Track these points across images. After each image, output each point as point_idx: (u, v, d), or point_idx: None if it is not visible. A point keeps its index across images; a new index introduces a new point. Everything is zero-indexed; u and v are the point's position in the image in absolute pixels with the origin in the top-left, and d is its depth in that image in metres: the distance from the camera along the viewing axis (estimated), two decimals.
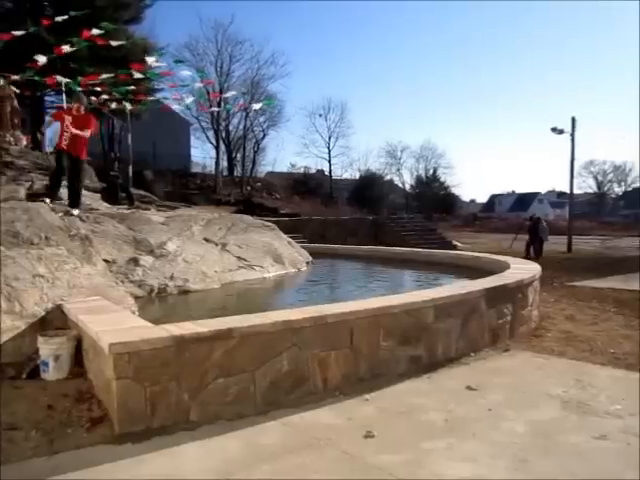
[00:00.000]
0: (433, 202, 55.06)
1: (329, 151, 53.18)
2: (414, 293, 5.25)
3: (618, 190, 74.08)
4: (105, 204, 11.23)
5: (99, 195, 12.09)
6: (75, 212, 7.63)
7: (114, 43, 12.78)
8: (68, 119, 7.91)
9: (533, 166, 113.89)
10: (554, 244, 23.18)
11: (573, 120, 24.60)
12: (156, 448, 3.14)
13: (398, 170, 62.27)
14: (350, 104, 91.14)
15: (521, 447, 3.19)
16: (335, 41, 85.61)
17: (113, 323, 3.89)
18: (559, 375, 4.66)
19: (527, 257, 15.53)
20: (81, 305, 4.77)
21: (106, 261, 6.76)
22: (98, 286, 5.57)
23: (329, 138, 53.20)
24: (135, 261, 7.22)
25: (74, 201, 8.01)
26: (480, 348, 5.31)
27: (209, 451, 3.13)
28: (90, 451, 3.11)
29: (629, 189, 72.01)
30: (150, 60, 15.48)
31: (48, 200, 7.78)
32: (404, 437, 3.33)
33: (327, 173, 53.47)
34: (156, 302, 6.64)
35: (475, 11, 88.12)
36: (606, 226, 46.58)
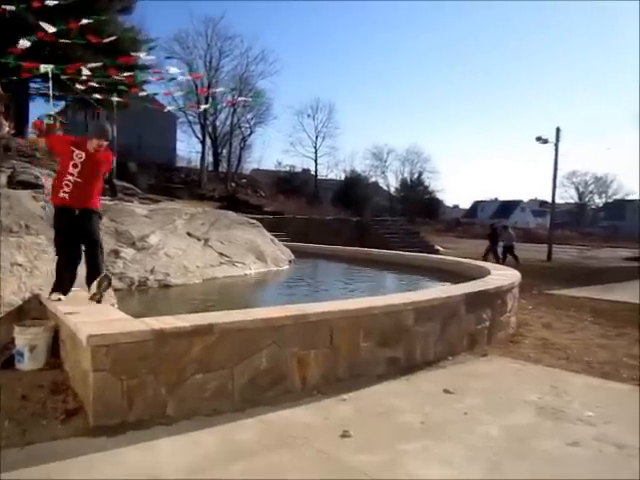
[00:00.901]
0: (417, 206, 55.30)
1: (315, 151, 53.24)
2: (395, 295, 5.29)
3: (599, 201, 75.25)
4: None
5: None
6: (104, 294, 4.65)
7: (106, 40, 12.57)
8: (78, 155, 4.67)
9: (517, 174, 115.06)
10: (535, 252, 23.47)
11: (557, 130, 24.93)
12: (131, 442, 3.11)
13: (383, 173, 62.48)
14: (338, 104, 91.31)
15: (495, 451, 3.22)
16: (325, 41, 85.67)
17: (92, 315, 3.85)
18: (535, 381, 4.71)
19: (485, 260, 16.52)
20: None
21: None
22: (78, 277, 5.50)
23: (316, 138, 53.25)
24: (116, 253, 7.16)
25: (93, 279, 4.57)
26: (458, 352, 5.35)
27: (185, 446, 3.11)
28: (64, 443, 3.07)
29: (609, 201, 73.16)
30: (139, 54, 15.31)
31: (56, 296, 4.60)
32: (380, 438, 3.35)
33: (313, 172, 53.50)
34: (136, 295, 6.59)
35: (465, 16, 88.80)
36: (586, 236, 47.24)
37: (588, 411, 3.95)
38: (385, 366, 4.65)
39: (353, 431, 3.38)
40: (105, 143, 4.77)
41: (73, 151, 4.64)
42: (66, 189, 4.62)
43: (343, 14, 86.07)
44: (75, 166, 4.64)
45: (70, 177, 4.63)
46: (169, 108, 22.18)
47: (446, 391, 4.28)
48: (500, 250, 19.31)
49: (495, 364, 5.26)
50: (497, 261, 17.50)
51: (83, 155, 4.67)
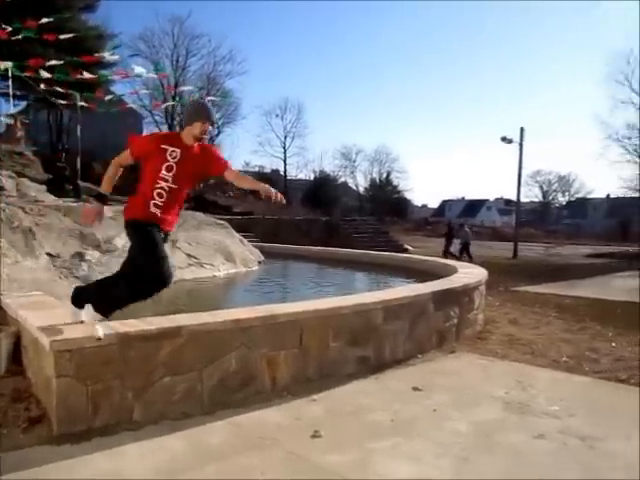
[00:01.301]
0: (386, 205, 55.75)
1: (285, 151, 53.22)
2: (364, 294, 5.31)
3: (562, 200, 77.06)
4: (51, 196, 10.85)
5: (44, 187, 11.66)
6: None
7: (63, 37, 12.26)
8: (172, 154, 3.46)
9: (483, 174, 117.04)
10: (501, 250, 23.89)
11: (522, 130, 25.45)
12: (97, 449, 3.05)
13: (352, 173, 62.80)
14: (307, 104, 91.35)
15: (464, 446, 3.26)
16: (293, 41, 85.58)
17: (55, 319, 3.75)
18: (502, 377, 4.80)
19: (445, 257, 17.25)
20: (21, 300, 4.58)
21: (50, 255, 6.54)
22: (40, 281, 5.36)
23: (285, 138, 53.24)
24: (81, 256, 7.01)
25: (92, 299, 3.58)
26: (427, 350, 5.41)
27: (152, 451, 3.06)
28: (27, 452, 2.98)
29: (572, 199, 75.02)
30: (103, 54, 15.04)
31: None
32: (351, 437, 3.36)
33: (282, 173, 53.42)
34: None
35: (434, 15, 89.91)
36: (550, 234, 48.41)
37: (553, 405, 4.05)
38: (355, 365, 4.66)
39: (323, 431, 3.38)
40: (210, 128, 3.63)
41: (166, 149, 3.43)
42: (158, 200, 3.42)
43: (312, 14, 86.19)
44: (169, 168, 3.42)
45: (164, 183, 3.41)
46: (132, 105, 21.76)
47: (415, 388, 4.32)
48: (458, 248, 19.88)
49: (463, 361, 5.34)
50: (456, 258, 17.95)
51: (178, 153, 3.44)
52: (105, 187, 3.62)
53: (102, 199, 3.59)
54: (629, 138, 35.02)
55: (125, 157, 3.55)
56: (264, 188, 3.72)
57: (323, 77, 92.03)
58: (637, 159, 35.11)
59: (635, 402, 4.23)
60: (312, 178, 56.40)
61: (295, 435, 3.35)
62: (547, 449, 3.28)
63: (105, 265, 7.05)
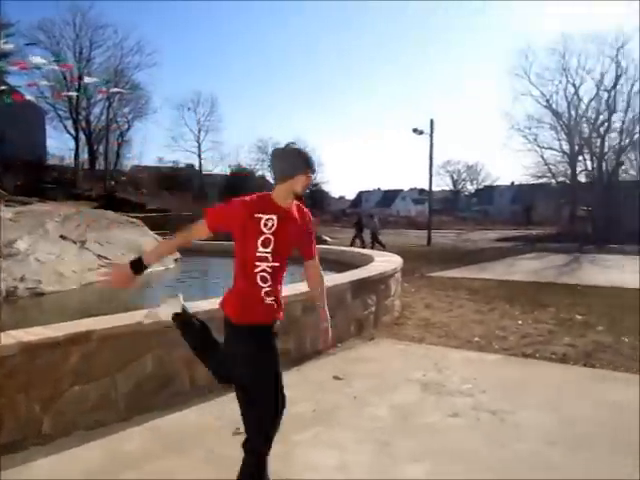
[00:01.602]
0: (304, 198, 55.97)
1: (199, 145, 52.02)
2: (283, 287, 5.29)
3: (471, 188, 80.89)
4: None
5: None
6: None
7: None
8: (267, 223, 2.41)
9: (397, 165, 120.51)
10: (415, 238, 24.70)
11: (432, 122, 26.39)
12: (2, 468, 2.85)
13: (269, 166, 62.54)
14: (221, 98, 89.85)
15: (384, 431, 3.35)
16: (206, 33, 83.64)
17: None
18: (419, 360, 4.97)
19: (352, 246, 18.47)
20: None
21: None
22: None
23: (199, 132, 52.01)
24: None
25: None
26: (346, 338, 5.50)
27: (64, 465, 2.90)
28: None
29: (480, 187, 78.95)
30: None
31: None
32: None
33: (197, 168, 52.23)
34: (4, 307, 6.03)
35: (346, 10, 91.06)
36: (461, 221, 50.75)
37: (467, 383, 4.25)
38: None
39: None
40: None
41: (260, 219, 2.42)
42: (267, 287, 2.48)
43: (221, 4, 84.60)
44: (266, 243, 2.42)
45: (263, 264, 2.46)
46: (29, 98, 20.32)
47: (336, 377, 4.38)
48: (368, 237, 20.42)
49: (382, 347, 5.48)
50: (363, 247, 18.59)
51: (275, 220, 2.44)
52: (151, 258, 2.59)
53: (140, 268, 2.54)
54: (529, 128, 37.29)
55: (200, 232, 2.58)
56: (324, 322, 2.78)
57: (236, 69, 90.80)
58: (537, 148, 37.47)
59: (540, 375, 4.53)
60: (229, 173, 55.51)
61: (216, 434, 3.30)
62: (461, 425, 3.44)
63: (6, 270, 6.59)
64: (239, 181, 49.78)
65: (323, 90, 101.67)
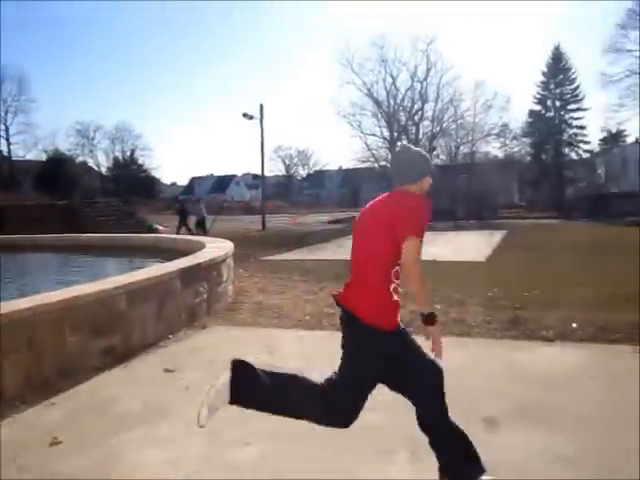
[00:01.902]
0: (132, 185, 52.99)
1: (7, 128, 46.51)
2: (104, 280, 4.96)
3: (303, 173, 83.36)
4: None
5: None
6: None
7: None
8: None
9: (230, 149, 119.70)
10: (250, 223, 24.83)
11: (261, 107, 26.59)
12: None
13: (92, 152, 58.19)
14: (33, 76, 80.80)
15: (215, 418, 3.29)
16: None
17: None
18: (252, 343, 5.00)
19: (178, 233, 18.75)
20: None
21: None
22: None
23: (6, 113, 46.44)
24: None
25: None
26: (178, 329, 5.33)
27: None
28: None
29: (311, 172, 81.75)
30: None
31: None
32: (96, 435, 3.12)
33: (6, 153, 46.68)
34: None
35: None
36: (294, 205, 52.18)
37: (296, 360, 4.37)
38: (100, 357, 4.34)
39: (64, 436, 3.08)
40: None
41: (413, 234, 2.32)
42: (397, 298, 2.45)
43: None
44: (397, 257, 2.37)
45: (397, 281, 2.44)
46: None
47: (167, 370, 4.23)
48: (194, 223, 20.07)
49: (215, 334, 5.41)
50: (190, 233, 18.47)
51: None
52: (427, 304, 2.41)
53: (433, 320, 2.34)
54: (353, 115, 39.44)
55: (420, 251, 2.36)
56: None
57: (54, 49, 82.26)
58: (361, 134, 39.80)
59: None
60: (44, 158, 50.38)
61: (30, 448, 2.98)
62: None
63: None
64: (57, 168, 45.42)
65: (149, 73, 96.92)
